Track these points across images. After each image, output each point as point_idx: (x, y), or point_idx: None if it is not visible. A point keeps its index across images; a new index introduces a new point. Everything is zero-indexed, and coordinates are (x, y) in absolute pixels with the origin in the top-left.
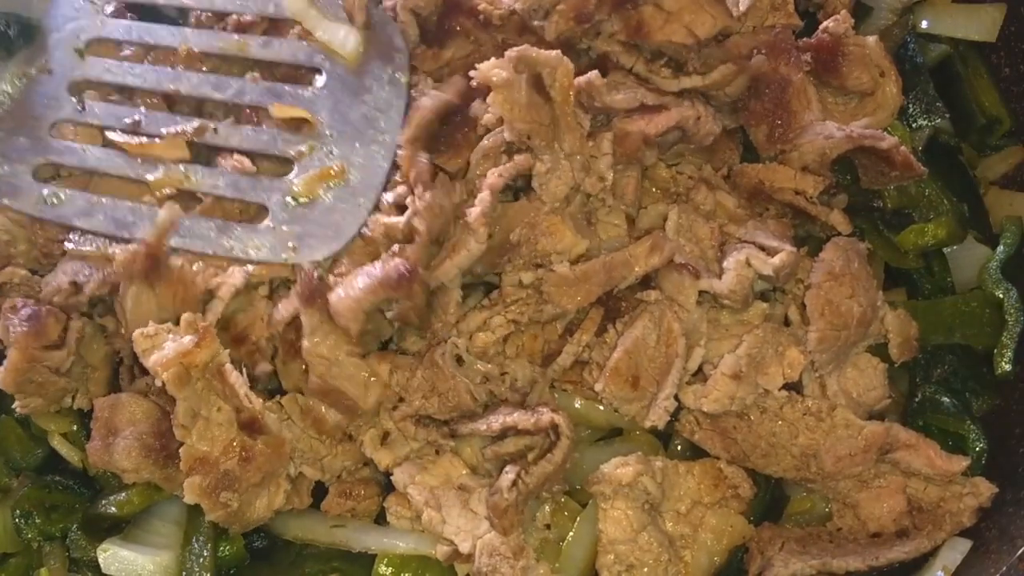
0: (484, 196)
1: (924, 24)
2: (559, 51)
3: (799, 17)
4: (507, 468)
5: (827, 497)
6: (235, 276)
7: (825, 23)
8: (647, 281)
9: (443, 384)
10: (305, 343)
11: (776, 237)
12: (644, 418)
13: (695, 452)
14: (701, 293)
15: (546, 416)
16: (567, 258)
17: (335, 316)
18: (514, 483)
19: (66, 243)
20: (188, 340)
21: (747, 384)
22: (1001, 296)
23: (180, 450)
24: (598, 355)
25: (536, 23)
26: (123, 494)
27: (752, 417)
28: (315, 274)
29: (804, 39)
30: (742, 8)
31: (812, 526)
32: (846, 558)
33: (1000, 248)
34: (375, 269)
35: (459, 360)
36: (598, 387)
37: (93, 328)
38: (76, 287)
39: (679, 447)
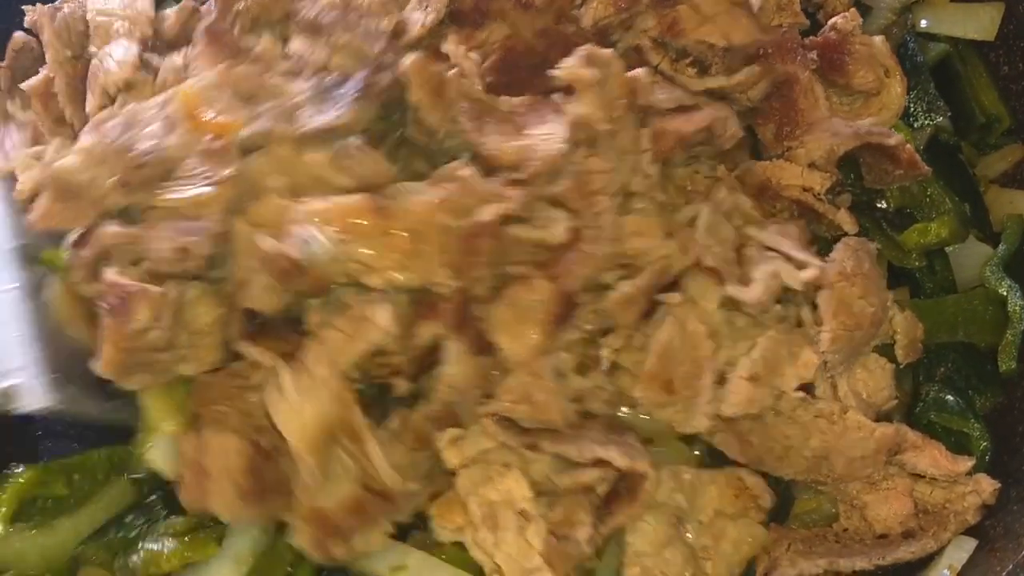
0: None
1: (923, 23)
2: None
3: None
4: (580, 515)
5: (834, 498)
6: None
7: (833, 20)
8: (672, 283)
9: (539, 395)
10: (446, 370)
11: (800, 247)
12: (682, 423)
13: (713, 459)
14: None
15: (640, 464)
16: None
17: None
18: (591, 537)
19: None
20: None
21: (764, 386)
22: (1004, 293)
23: (295, 503)
24: (626, 359)
25: (573, 12)
26: (162, 545)
27: (767, 420)
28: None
29: (810, 37)
30: (754, 9)
31: (818, 527)
32: (852, 558)
33: (1002, 246)
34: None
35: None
36: (636, 393)
37: (198, 290)
38: (183, 252)
39: (696, 453)
